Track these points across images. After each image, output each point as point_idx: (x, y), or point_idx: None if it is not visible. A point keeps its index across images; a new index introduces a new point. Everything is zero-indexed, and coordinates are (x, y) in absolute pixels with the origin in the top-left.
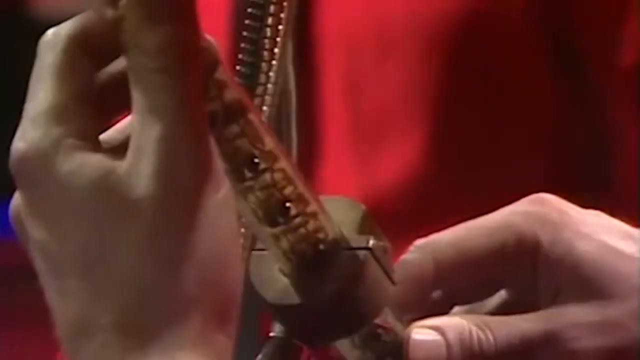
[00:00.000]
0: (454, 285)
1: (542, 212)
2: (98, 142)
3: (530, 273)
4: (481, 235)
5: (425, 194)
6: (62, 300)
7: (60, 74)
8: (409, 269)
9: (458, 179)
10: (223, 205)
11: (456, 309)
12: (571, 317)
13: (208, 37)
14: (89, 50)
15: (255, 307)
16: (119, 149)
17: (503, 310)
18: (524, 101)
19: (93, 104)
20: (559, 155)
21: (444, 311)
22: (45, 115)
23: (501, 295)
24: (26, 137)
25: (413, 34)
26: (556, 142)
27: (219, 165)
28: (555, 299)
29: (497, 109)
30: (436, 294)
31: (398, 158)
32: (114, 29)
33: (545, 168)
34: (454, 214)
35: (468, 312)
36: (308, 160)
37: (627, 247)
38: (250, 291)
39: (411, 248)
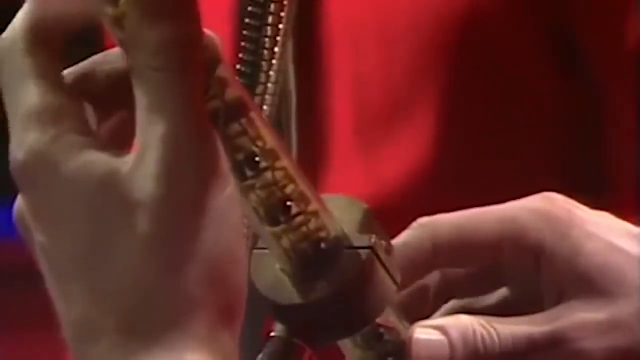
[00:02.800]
0: (452, 272)
1: (550, 210)
2: (95, 138)
3: (532, 271)
4: (484, 224)
5: (432, 191)
6: (67, 303)
7: (37, 74)
8: (407, 246)
9: (465, 175)
10: (229, 204)
11: (453, 302)
12: (577, 318)
13: (210, 34)
14: (46, 41)
15: (261, 307)
16: (122, 145)
17: (503, 308)
18: (528, 98)
19: (79, 97)
20: (565, 153)
21: (440, 301)
22: (36, 117)
23: (502, 293)
24: (22, 143)
25: (417, 31)
26: (563, 139)
27: (225, 163)
28: (560, 298)
29: (501, 105)
30: (434, 277)
31: (405, 155)
32: (93, 20)
33: (552, 165)
34: (461, 210)
35: (465, 306)
36: (311, 159)
37: (633, 248)
38: (256, 291)
39: (413, 225)
